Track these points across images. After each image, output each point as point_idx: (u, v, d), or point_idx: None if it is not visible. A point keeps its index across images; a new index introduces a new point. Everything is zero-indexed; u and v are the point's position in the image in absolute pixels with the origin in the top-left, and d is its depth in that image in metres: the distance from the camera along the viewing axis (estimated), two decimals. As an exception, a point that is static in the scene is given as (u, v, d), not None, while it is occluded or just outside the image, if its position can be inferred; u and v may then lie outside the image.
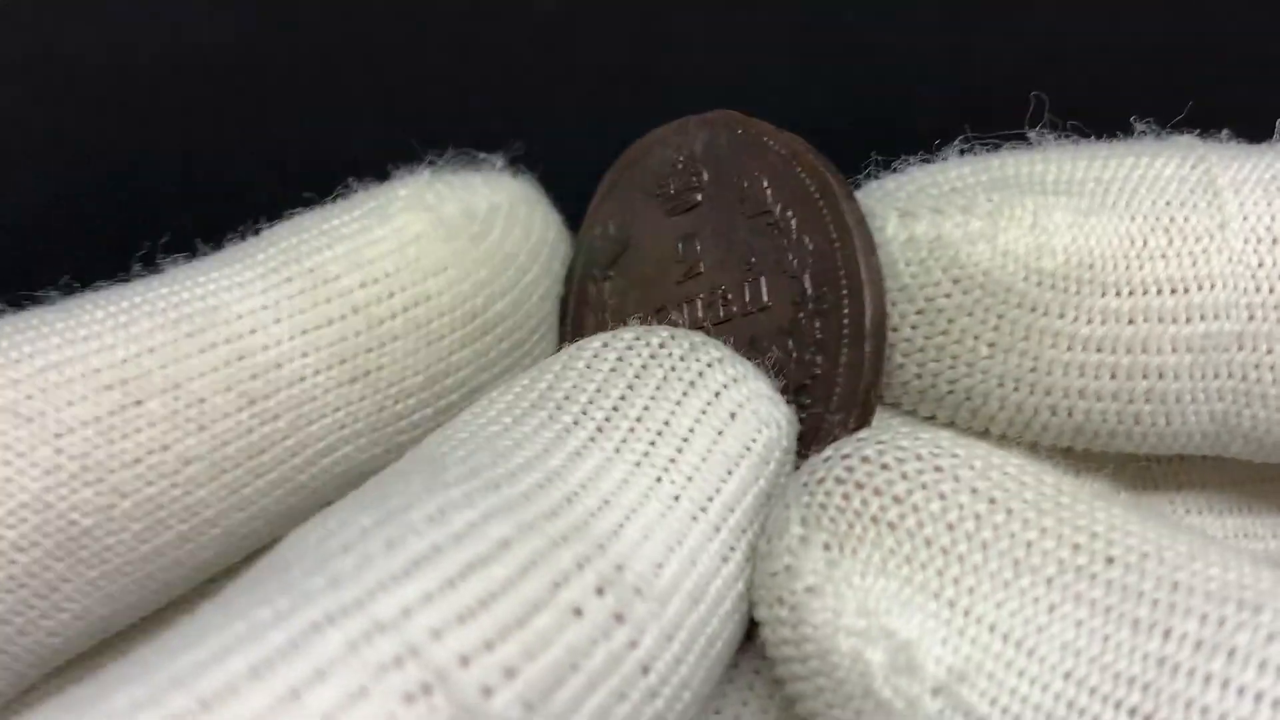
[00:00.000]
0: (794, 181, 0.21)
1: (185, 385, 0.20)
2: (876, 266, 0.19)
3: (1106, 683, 0.16)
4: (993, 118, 0.22)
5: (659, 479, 0.17)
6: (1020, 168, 0.20)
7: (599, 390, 0.19)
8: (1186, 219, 0.20)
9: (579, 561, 0.16)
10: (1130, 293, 0.19)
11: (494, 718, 0.15)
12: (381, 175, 0.23)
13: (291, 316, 0.21)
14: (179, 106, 0.28)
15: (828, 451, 0.19)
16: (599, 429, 0.18)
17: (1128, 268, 0.19)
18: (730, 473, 0.18)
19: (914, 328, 0.20)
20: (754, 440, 0.19)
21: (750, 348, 0.21)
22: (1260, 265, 0.20)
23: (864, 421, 0.20)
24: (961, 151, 0.21)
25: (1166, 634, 0.16)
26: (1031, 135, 0.21)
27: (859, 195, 0.21)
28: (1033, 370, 0.20)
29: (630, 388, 0.19)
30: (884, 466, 0.18)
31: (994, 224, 0.19)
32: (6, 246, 0.27)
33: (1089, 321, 0.19)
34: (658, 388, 0.19)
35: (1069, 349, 0.19)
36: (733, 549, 0.18)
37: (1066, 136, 0.21)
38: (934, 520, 0.17)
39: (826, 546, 0.18)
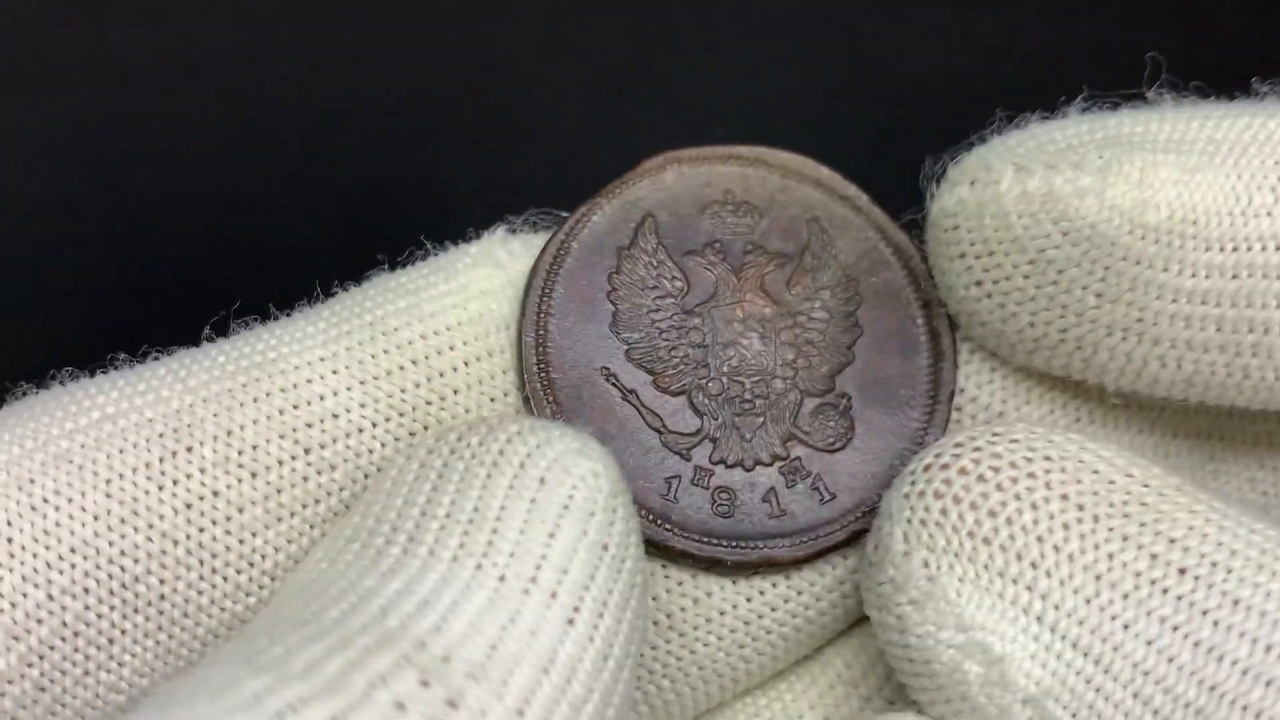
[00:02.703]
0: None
1: (237, 432, 0.20)
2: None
3: (1167, 706, 0.18)
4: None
5: (479, 566, 0.17)
6: (1135, 126, 0.21)
7: (405, 504, 0.19)
8: None
9: (397, 662, 0.16)
10: (1234, 248, 0.20)
11: None
12: (459, 236, 0.23)
13: (349, 367, 0.21)
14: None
15: (928, 458, 0.20)
16: (410, 539, 0.18)
17: (1232, 224, 0.20)
18: (553, 535, 0.18)
19: (1026, 278, 0.21)
20: (571, 497, 0.19)
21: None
22: None
23: None
24: (1082, 110, 0.22)
25: (1220, 658, 0.18)
26: (1150, 95, 0.21)
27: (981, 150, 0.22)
28: (1139, 320, 0.21)
29: (434, 489, 0.19)
30: (980, 479, 0.20)
31: (1102, 179, 0.20)
32: (89, 315, 0.28)
33: (1193, 275, 0.20)
34: (461, 480, 0.19)
35: (1174, 300, 0.20)
36: (576, 609, 0.18)
37: (1185, 97, 0.22)
38: (1025, 534, 0.19)
39: (926, 563, 0.20)
